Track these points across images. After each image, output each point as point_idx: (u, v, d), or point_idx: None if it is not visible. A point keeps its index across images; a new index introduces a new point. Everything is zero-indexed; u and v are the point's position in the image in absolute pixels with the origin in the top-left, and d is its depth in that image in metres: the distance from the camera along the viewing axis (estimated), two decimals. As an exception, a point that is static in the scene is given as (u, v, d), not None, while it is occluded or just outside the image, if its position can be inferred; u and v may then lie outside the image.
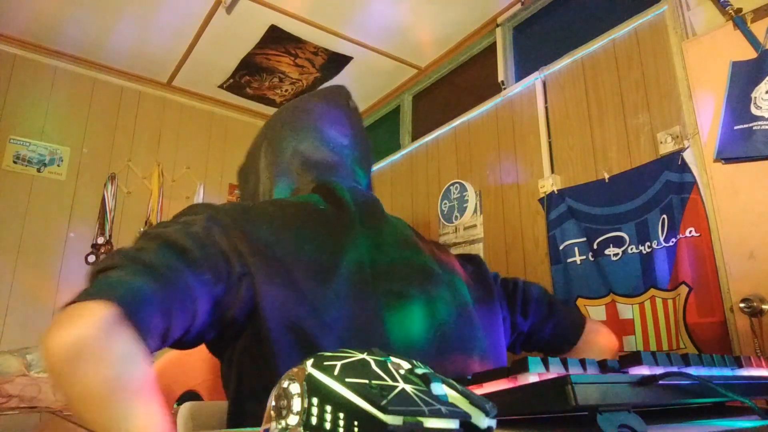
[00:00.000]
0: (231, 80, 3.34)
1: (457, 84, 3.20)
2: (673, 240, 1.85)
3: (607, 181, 2.11)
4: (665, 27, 2.02)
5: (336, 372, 0.35)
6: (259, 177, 0.94)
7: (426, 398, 0.34)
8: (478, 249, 2.65)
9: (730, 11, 1.77)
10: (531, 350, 1.09)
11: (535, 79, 2.53)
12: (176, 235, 0.66)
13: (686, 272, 1.79)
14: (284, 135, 0.95)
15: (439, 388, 0.36)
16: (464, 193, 2.76)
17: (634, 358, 0.56)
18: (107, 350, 0.51)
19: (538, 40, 2.73)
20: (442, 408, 0.33)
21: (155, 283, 0.60)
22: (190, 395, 0.90)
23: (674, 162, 1.88)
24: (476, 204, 2.71)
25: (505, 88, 2.72)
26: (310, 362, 0.36)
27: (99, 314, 0.53)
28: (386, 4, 2.69)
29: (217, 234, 0.71)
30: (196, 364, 0.97)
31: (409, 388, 0.34)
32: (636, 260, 1.96)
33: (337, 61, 3.14)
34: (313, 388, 0.34)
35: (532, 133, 2.50)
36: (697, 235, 1.79)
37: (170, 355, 0.96)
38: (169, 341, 0.63)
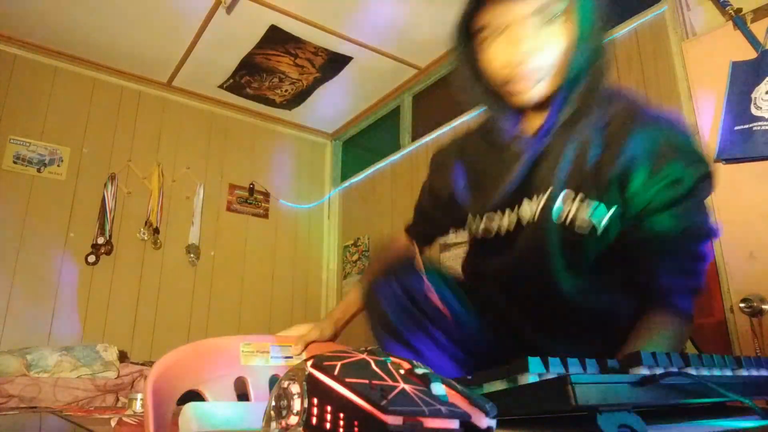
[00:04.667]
0: (231, 80, 3.34)
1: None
2: (673, 240, 1.84)
3: (607, 181, 2.10)
4: (665, 27, 2.02)
5: (336, 372, 0.35)
6: None
7: (426, 398, 0.34)
8: (478, 249, 2.64)
9: (730, 11, 1.77)
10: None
11: (535, 79, 2.53)
12: None
13: (686, 272, 1.79)
14: None
15: (439, 388, 0.36)
16: (464, 193, 2.75)
17: (634, 358, 0.56)
18: None
19: (538, 40, 2.73)
20: (442, 408, 0.33)
21: None
22: (192, 395, 0.90)
23: (674, 162, 1.88)
24: (476, 204, 2.71)
25: (505, 88, 2.71)
26: (310, 362, 0.36)
27: None
28: (386, 4, 2.69)
29: None
30: (199, 363, 0.97)
31: (409, 388, 0.34)
32: (636, 260, 1.95)
33: (337, 61, 3.14)
34: (313, 388, 0.34)
35: (532, 133, 2.50)
36: (697, 235, 1.78)
37: (172, 354, 0.96)
38: None
